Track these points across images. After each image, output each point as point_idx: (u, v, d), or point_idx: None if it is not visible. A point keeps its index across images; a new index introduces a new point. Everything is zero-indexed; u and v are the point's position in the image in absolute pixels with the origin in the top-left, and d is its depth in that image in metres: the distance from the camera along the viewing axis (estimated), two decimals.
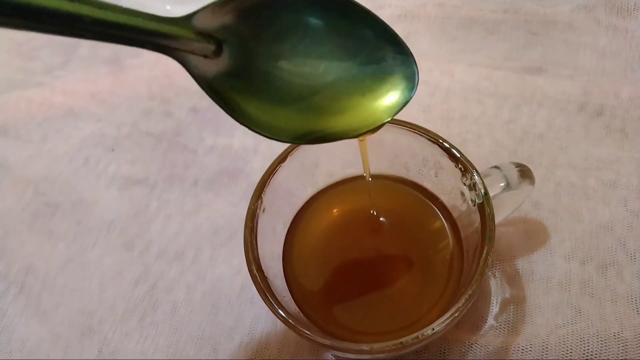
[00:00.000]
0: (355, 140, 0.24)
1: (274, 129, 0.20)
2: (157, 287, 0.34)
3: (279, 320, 0.23)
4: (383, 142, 0.31)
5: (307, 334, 0.23)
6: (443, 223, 0.31)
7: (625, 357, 0.27)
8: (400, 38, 0.20)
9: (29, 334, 0.33)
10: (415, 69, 0.20)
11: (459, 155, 0.27)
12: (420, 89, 0.40)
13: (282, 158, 0.28)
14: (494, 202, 0.26)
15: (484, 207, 0.25)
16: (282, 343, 0.31)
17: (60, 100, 0.44)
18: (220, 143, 0.40)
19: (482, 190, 0.26)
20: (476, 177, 0.26)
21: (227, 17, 0.18)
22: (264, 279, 0.25)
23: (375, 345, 0.23)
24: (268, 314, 0.32)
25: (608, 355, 0.28)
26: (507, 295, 0.30)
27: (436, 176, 0.30)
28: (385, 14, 0.44)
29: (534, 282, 0.31)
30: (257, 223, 0.27)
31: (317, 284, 0.30)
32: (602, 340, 0.28)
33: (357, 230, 0.32)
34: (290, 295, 0.29)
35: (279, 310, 0.24)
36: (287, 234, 0.31)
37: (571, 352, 0.28)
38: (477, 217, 0.26)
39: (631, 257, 0.31)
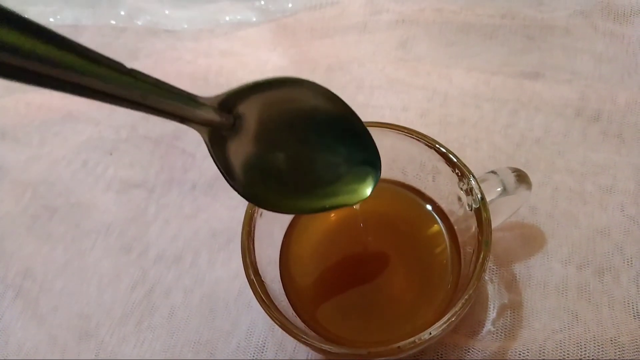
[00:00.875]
0: None
1: (267, 203, 0.23)
2: (154, 291, 0.34)
3: (276, 325, 0.23)
4: (381, 147, 0.31)
5: (305, 338, 0.23)
6: (440, 228, 0.31)
7: None
8: (374, 145, 0.24)
9: (25, 338, 0.33)
10: (380, 171, 0.25)
11: (455, 160, 0.27)
12: (419, 93, 0.40)
13: None
14: (490, 207, 0.26)
15: (481, 211, 0.26)
16: (279, 348, 0.31)
17: (59, 103, 0.44)
18: None
19: (479, 195, 0.26)
20: (473, 182, 0.26)
21: (245, 103, 0.20)
22: (261, 283, 0.25)
23: (373, 350, 0.23)
24: (265, 319, 0.31)
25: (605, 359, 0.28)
26: (505, 300, 0.30)
27: (433, 181, 0.30)
28: (383, 20, 0.44)
29: (531, 287, 0.31)
30: (254, 227, 0.27)
31: (314, 289, 0.30)
32: (599, 345, 0.28)
33: (354, 235, 0.32)
34: (287, 300, 0.29)
35: (276, 315, 0.24)
36: (284, 239, 0.31)
37: (568, 357, 0.28)
38: (474, 222, 0.26)
39: (628, 262, 0.31)
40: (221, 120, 0.20)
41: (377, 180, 0.25)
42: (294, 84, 0.22)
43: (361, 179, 0.24)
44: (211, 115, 0.19)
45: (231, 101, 0.20)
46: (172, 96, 0.17)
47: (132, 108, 0.16)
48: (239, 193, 0.22)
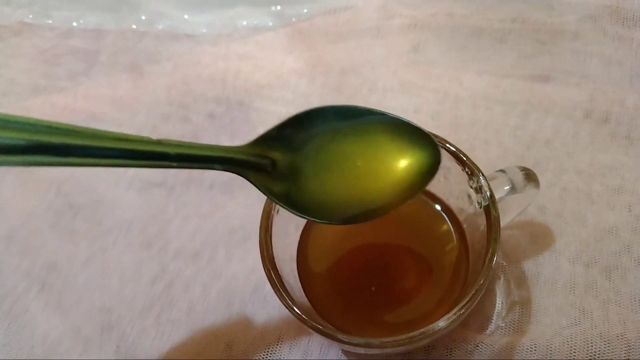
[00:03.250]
0: None
1: (321, 216, 0.24)
2: (173, 285, 0.35)
3: (290, 319, 0.24)
4: None
5: (320, 327, 0.24)
6: (450, 226, 0.31)
7: (629, 357, 0.28)
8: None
9: (50, 329, 0.34)
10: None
11: (465, 158, 0.28)
12: (430, 95, 0.41)
13: None
14: (500, 205, 0.27)
15: (490, 209, 0.26)
16: (293, 341, 0.32)
17: (83, 105, 0.46)
18: None
19: (488, 193, 0.27)
20: (482, 180, 0.27)
21: (275, 141, 0.23)
22: (279, 277, 0.26)
23: (384, 339, 0.24)
24: (280, 313, 0.33)
25: (612, 355, 0.28)
26: (513, 297, 0.31)
27: (444, 179, 0.31)
28: (396, 24, 0.45)
29: (539, 284, 0.31)
30: (271, 223, 0.28)
31: (329, 285, 0.31)
32: (606, 341, 0.29)
33: (367, 234, 0.33)
34: (303, 295, 0.30)
35: (293, 306, 0.25)
36: (301, 237, 0.32)
37: (575, 353, 0.29)
38: (483, 220, 0.27)
39: (636, 261, 0.31)
40: (259, 163, 0.23)
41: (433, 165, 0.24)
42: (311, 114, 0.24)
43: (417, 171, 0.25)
44: (250, 161, 0.22)
45: (261, 144, 0.23)
46: (205, 151, 0.21)
47: (175, 167, 0.21)
48: (294, 213, 0.23)
